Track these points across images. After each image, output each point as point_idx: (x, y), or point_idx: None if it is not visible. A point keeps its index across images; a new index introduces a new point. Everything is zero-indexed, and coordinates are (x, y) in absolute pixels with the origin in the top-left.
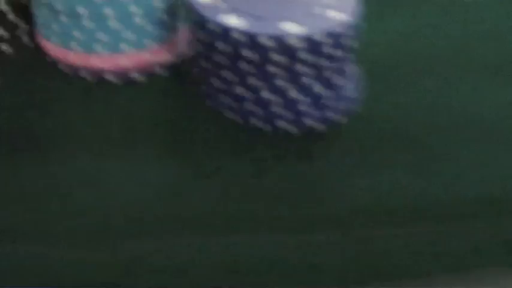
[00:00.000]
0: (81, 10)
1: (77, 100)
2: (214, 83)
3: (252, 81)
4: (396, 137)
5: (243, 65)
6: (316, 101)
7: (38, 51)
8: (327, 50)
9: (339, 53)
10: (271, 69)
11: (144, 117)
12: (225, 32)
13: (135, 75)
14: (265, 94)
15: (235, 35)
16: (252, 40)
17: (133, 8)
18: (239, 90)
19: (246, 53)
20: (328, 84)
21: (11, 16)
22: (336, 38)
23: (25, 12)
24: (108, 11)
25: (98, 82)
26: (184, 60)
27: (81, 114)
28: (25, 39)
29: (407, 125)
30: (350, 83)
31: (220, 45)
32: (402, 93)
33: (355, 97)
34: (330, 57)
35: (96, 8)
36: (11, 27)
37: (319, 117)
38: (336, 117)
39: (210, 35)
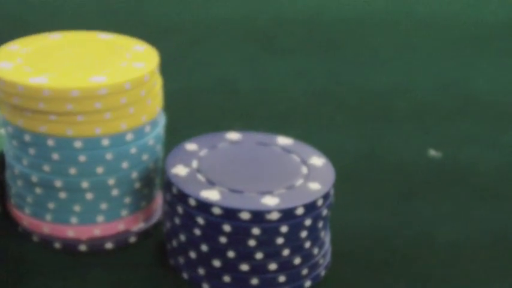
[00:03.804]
0: (57, 183)
1: (48, 275)
2: (192, 255)
3: (231, 254)
4: None
5: (223, 239)
6: (294, 273)
7: (9, 220)
8: (306, 222)
9: (317, 224)
10: (251, 242)
11: None
12: (206, 207)
13: (109, 245)
14: (244, 267)
15: (216, 211)
16: (232, 215)
17: (110, 181)
18: (217, 263)
19: (226, 227)
20: (306, 255)
21: None
22: (315, 210)
23: None
24: (84, 184)
25: (70, 253)
26: (161, 231)
27: None
28: None
29: None
30: (324, 250)
31: (200, 220)
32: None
33: (326, 264)
34: (309, 229)
35: (73, 181)
36: None
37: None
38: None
39: (189, 209)
